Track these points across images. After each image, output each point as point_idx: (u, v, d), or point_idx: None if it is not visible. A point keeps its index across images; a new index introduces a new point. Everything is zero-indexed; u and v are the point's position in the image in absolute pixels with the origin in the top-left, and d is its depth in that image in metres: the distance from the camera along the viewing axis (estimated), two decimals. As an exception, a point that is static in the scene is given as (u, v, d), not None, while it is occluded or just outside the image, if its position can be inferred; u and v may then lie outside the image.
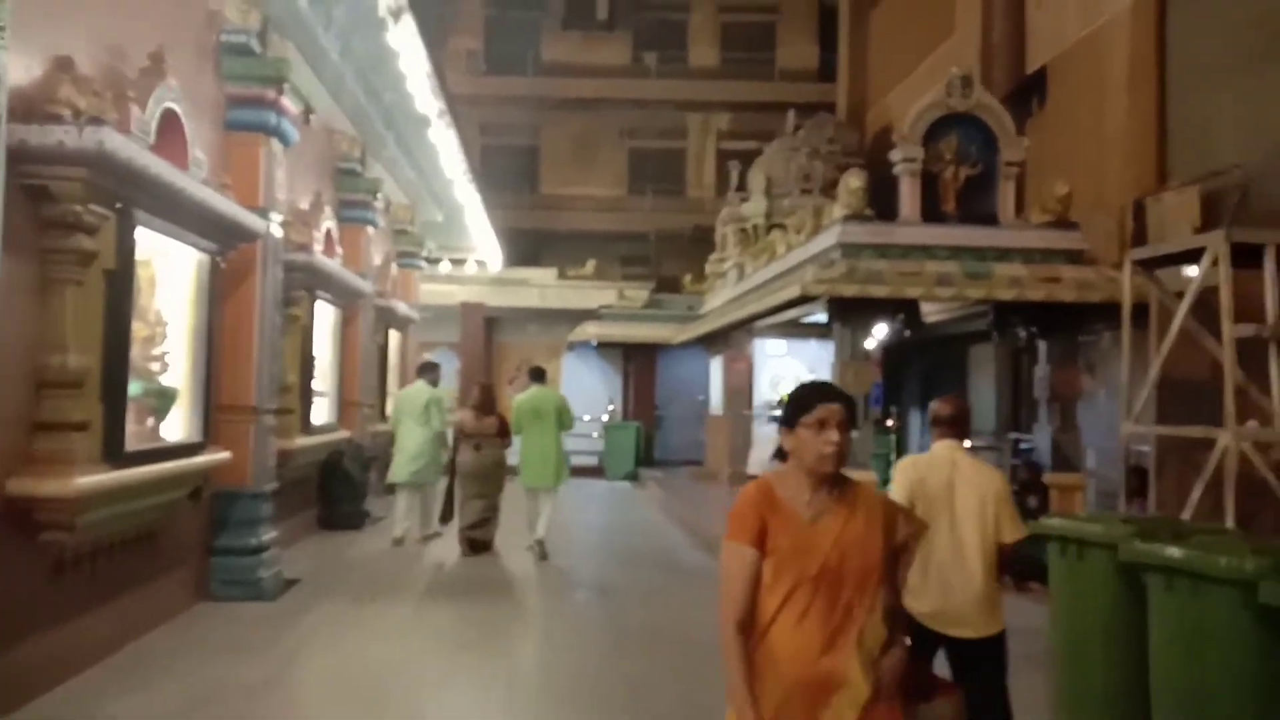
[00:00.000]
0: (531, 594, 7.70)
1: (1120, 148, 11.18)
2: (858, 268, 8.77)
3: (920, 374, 15.56)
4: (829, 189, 15.55)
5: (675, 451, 18.88)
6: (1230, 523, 4.42)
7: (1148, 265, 5.23)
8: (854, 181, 9.21)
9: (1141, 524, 3.85)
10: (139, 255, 5.37)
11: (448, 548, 9.27)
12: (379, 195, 11.19)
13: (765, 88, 23.72)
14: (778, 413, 14.83)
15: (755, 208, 15.28)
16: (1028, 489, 8.25)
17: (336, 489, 10.18)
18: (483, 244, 15.78)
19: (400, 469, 9.46)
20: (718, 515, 11.57)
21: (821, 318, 13.44)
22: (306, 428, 9.02)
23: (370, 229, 11.19)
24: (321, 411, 9.92)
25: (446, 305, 18.72)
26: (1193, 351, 6.55)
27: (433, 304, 18.13)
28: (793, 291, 8.86)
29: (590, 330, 18.18)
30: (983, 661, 3.58)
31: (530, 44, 24.51)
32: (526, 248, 20.95)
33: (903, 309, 9.28)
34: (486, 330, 19.76)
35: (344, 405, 10.76)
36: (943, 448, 3.91)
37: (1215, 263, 4.50)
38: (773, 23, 24.63)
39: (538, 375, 9.96)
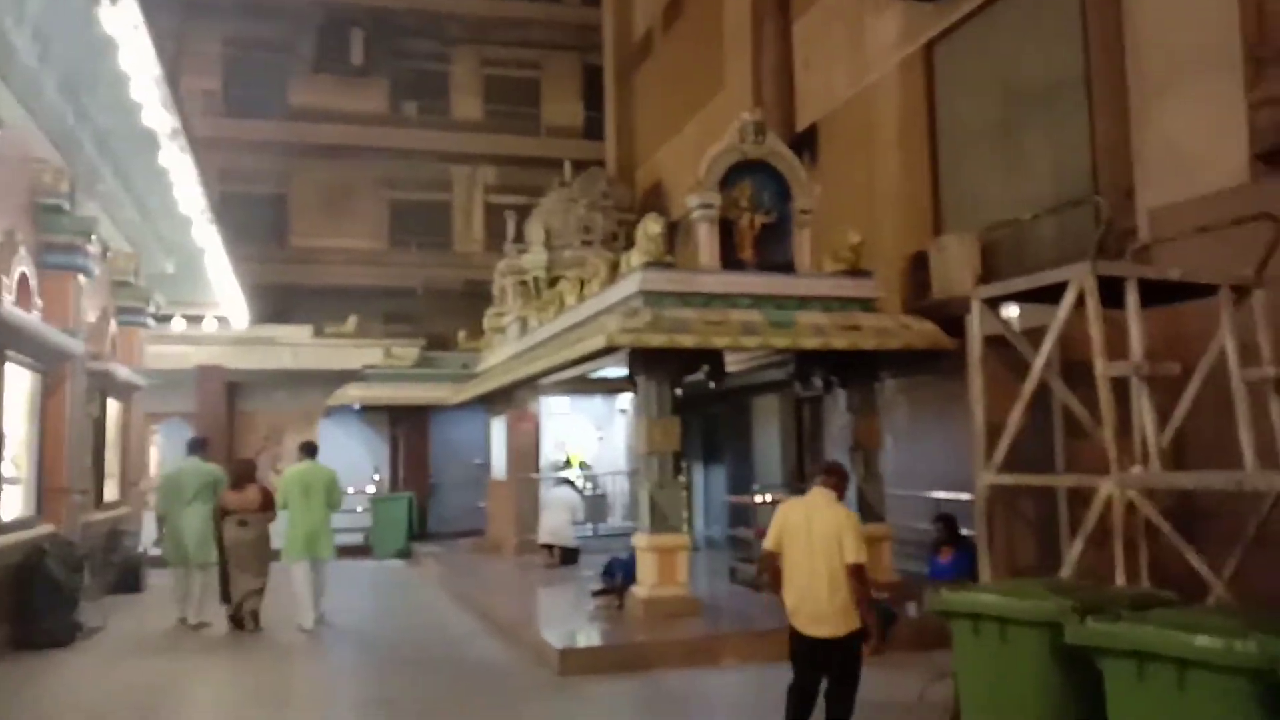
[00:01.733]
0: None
1: (895, 202, 11.52)
2: (662, 317, 8.19)
3: (701, 429, 15.32)
4: (609, 241, 15.14)
5: (452, 522, 17.45)
6: (1120, 579, 4.11)
7: (993, 304, 4.94)
8: (653, 226, 8.69)
9: (1070, 594, 3.34)
10: None
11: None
12: (93, 238, 9.32)
13: (532, 143, 23.28)
14: (565, 474, 14.04)
15: (535, 259, 14.53)
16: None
17: (36, 598, 8.10)
18: (225, 298, 13.88)
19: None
20: (510, 594, 10.45)
21: (613, 372, 12.90)
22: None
23: (81, 277, 9.28)
24: (13, 502, 8.34)
25: (181, 369, 16.39)
26: (1001, 397, 6.43)
27: (163, 368, 15.80)
28: (596, 342, 8.12)
29: (353, 393, 16.53)
30: (837, 654, 4.87)
31: (276, 87, 22.66)
32: (276, 304, 18.94)
33: (708, 360, 8.79)
34: (228, 397, 17.51)
35: (46, 493, 8.98)
36: (816, 493, 5.04)
37: (1079, 298, 4.22)
38: (536, 79, 24.35)
39: (309, 450, 9.86)
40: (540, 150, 22.56)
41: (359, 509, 16.85)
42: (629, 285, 8.84)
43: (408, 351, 17.27)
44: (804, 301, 8.97)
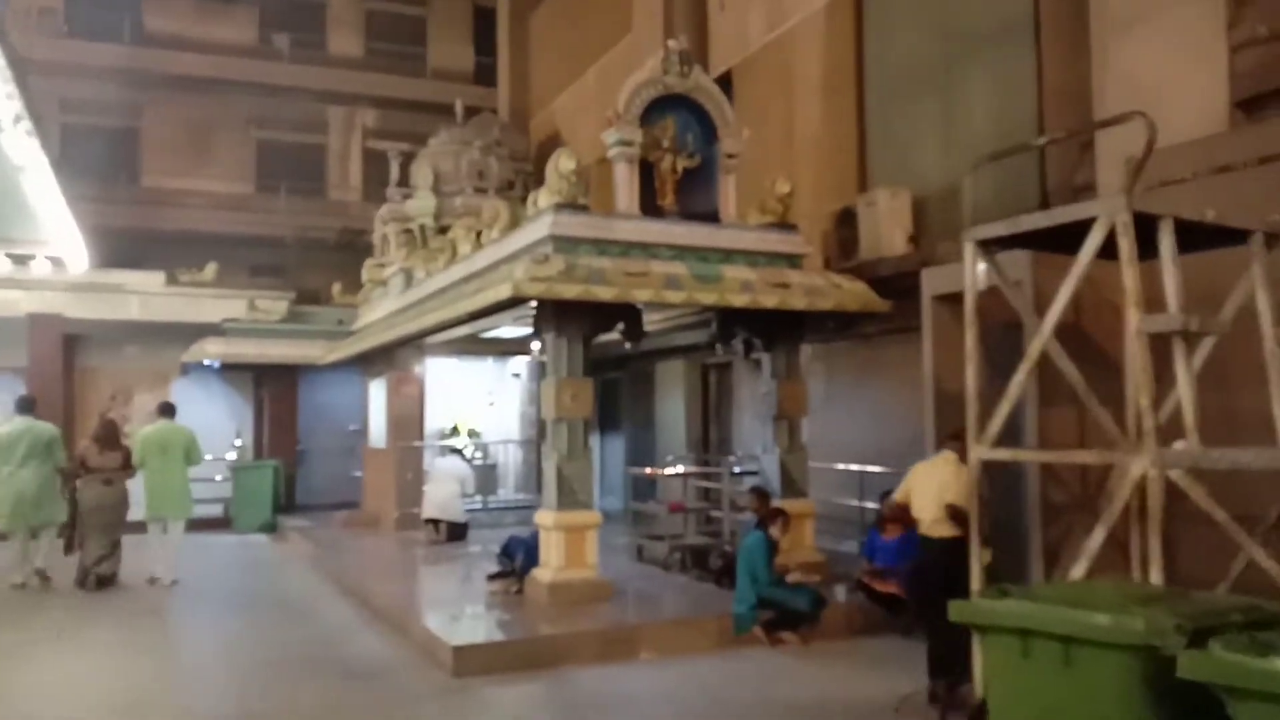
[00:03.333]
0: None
1: (817, 155, 10.80)
2: (577, 265, 7.20)
3: (598, 395, 14.37)
4: (504, 190, 13.94)
5: (323, 494, 15.99)
6: (1157, 577, 3.44)
7: (987, 247, 4.18)
8: (565, 163, 7.64)
9: (1163, 607, 2.57)
10: None
11: None
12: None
13: (417, 85, 21.62)
14: (453, 443, 12.88)
15: (422, 205, 13.18)
16: (770, 518, 7.14)
17: None
18: (57, 236, 11.97)
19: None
20: (392, 577, 9.33)
21: (506, 332, 11.79)
22: None
23: None
24: None
25: (7, 318, 14.33)
26: (952, 360, 5.78)
27: (-17, 316, 13.80)
28: (501, 292, 7.06)
29: (211, 349, 14.82)
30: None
31: (128, 8, 20.25)
32: (125, 250, 16.83)
33: (624, 316, 7.85)
34: (66, 350, 15.48)
35: None
36: (942, 456, 5.71)
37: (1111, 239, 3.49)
38: (423, 17, 22.63)
39: (167, 410, 10.05)
40: (426, 94, 20.93)
41: (218, 478, 15.22)
42: (537, 229, 7.79)
43: (275, 305, 15.64)
44: (729, 255, 8.14)
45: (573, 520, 7.39)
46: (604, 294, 7.14)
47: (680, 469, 10.25)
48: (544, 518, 7.51)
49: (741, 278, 7.84)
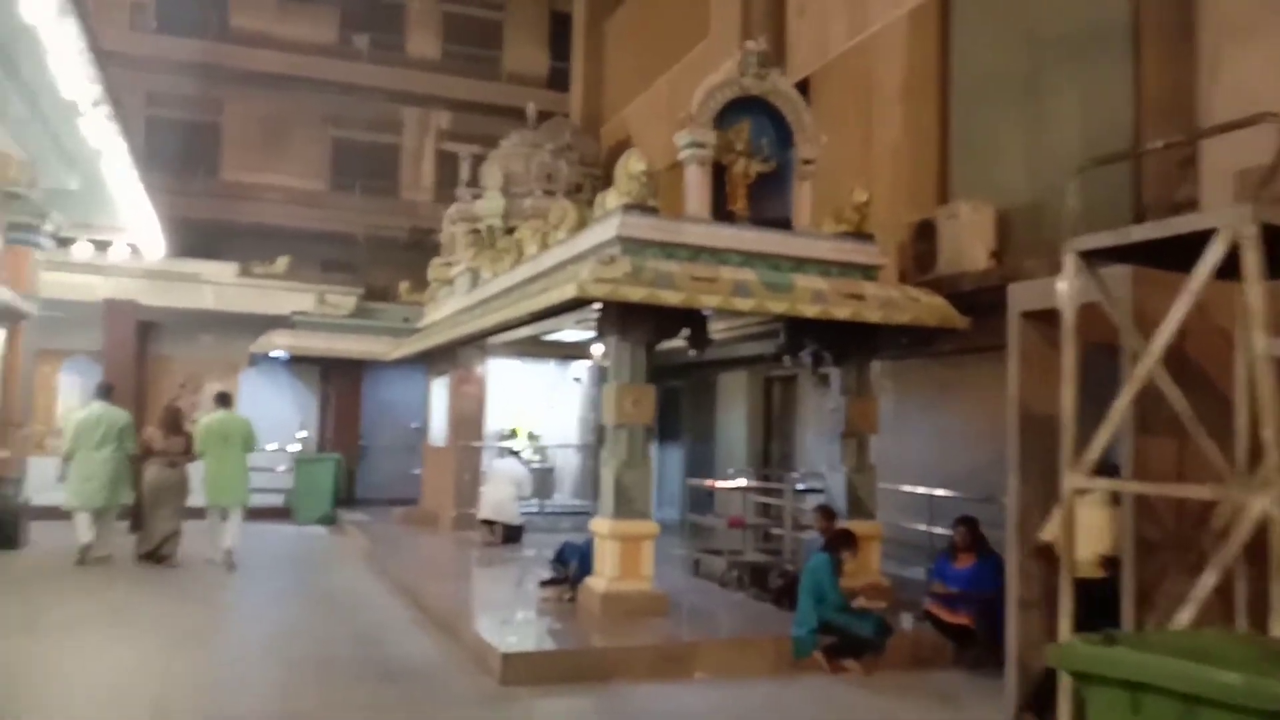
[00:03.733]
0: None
1: (895, 165, 10.47)
2: (644, 268, 7.01)
3: (658, 404, 14.15)
4: (572, 194, 13.84)
5: (382, 489, 16.08)
6: (1279, 629, 3.11)
7: (1088, 261, 3.87)
8: (635, 164, 7.48)
9: (1275, 657, 2.26)
10: None
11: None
12: None
13: (491, 88, 21.73)
14: (511, 445, 12.79)
15: (491, 206, 13.16)
16: (839, 541, 6.84)
17: None
18: (135, 222, 12.24)
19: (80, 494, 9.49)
20: (445, 577, 9.24)
21: (569, 335, 11.68)
22: None
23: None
24: None
25: (85, 303, 14.70)
26: (1039, 381, 5.46)
27: (63, 299, 14.13)
28: (565, 293, 6.90)
29: (279, 340, 15.01)
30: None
31: (214, 5, 20.75)
32: (200, 241, 17.22)
33: (690, 322, 7.64)
34: (141, 337, 15.84)
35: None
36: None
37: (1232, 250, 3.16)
38: (499, 21, 22.77)
39: (224, 400, 10.53)
40: (500, 97, 21.04)
41: (280, 468, 15.40)
42: (604, 230, 7.63)
43: (344, 300, 15.80)
44: (801, 263, 7.87)
45: (629, 530, 7.19)
46: (670, 298, 6.94)
47: (742, 483, 9.97)
48: (600, 525, 7.33)
49: (814, 287, 7.57)
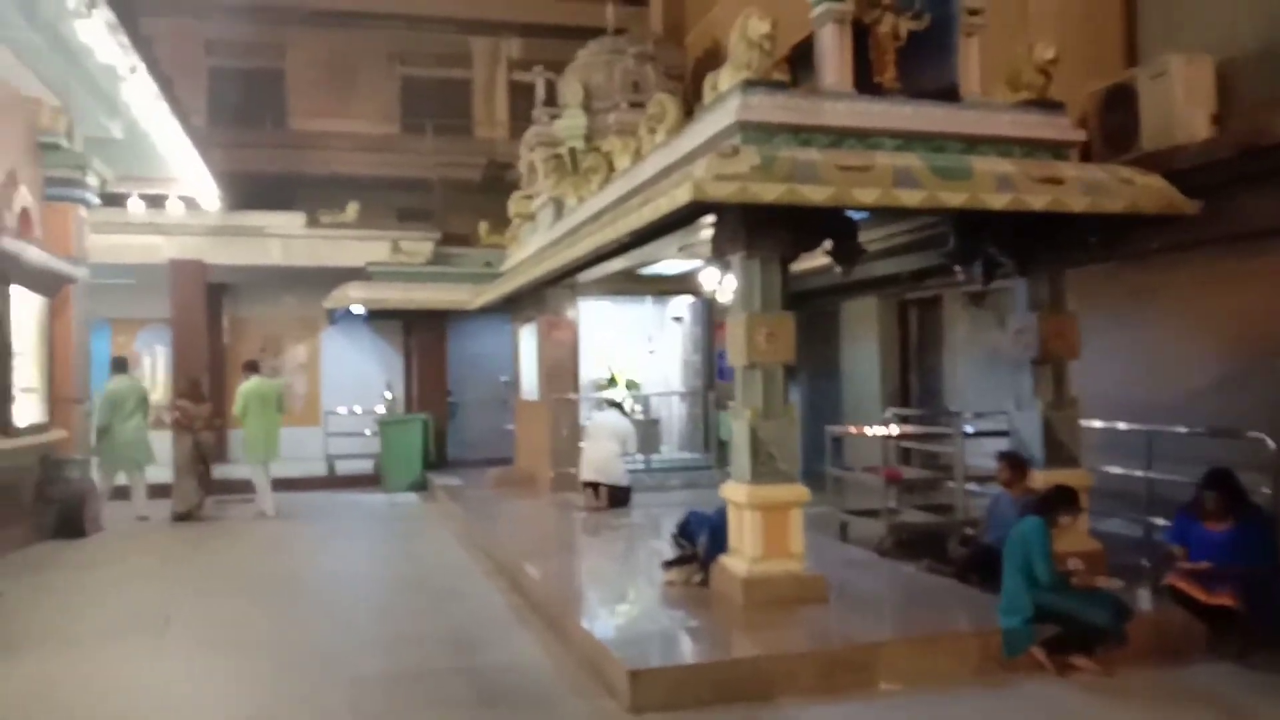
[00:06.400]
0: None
1: (1063, 16, 8.42)
2: (775, 159, 5.36)
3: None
4: (661, 107, 12.13)
5: (474, 448, 14.96)
6: None
7: None
8: (757, 26, 5.76)
9: None
10: None
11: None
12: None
13: (564, 8, 19.93)
14: (611, 395, 11.37)
15: (572, 125, 11.56)
16: (1060, 503, 5.17)
17: None
18: (185, 172, 11.12)
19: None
20: (547, 554, 7.89)
21: (672, 267, 10.14)
22: (7, 429, 7.88)
23: None
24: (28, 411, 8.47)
25: (151, 265, 13.79)
26: None
27: (128, 263, 13.25)
28: (676, 198, 5.31)
29: (355, 294, 13.87)
30: None
31: (271, -57, 19.47)
32: (269, 194, 16.16)
33: (834, 228, 5.98)
34: (212, 301, 14.92)
35: (55, 403, 9.18)
36: None
37: None
38: (571, -68, 20.89)
39: (253, 367, 11.30)
40: (573, 16, 19.22)
41: (367, 432, 14.40)
42: (718, 119, 5.98)
43: (420, 246, 14.56)
44: (974, 143, 6.08)
45: (773, 496, 5.66)
46: (815, 195, 5.28)
47: (893, 428, 8.32)
48: (734, 492, 5.81)
49: (997, 172, 5.79)
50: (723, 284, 9.02)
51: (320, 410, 15.50)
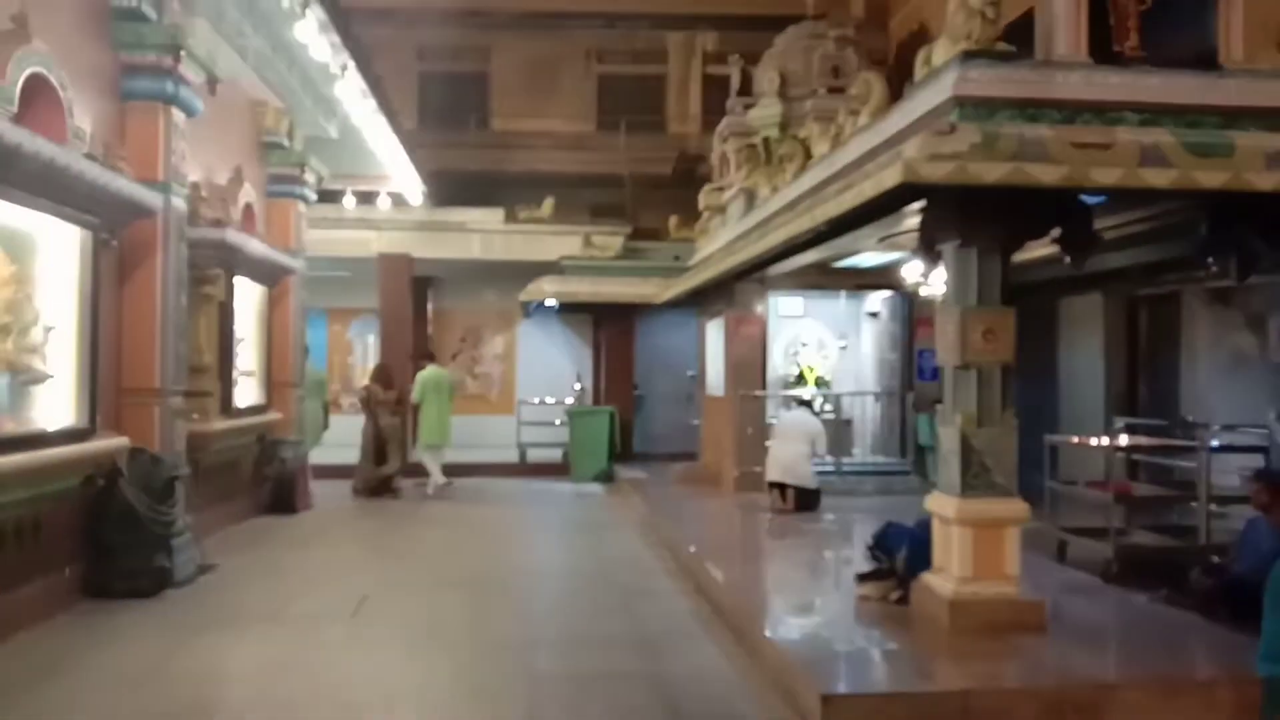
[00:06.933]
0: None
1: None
2: (999, 137, 4.82)
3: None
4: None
5: (659, 442, 14.93)
6: None
7: None
8: (978, -8, 5.22)
9: None
10: None
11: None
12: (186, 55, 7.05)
13: (761, -1, 19.57)
14: (800, 393, 10.94)
15: (767, 114, 11.20)
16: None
17: (109, 532, 6.12)
18: (395, 169, 11.64)
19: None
20: (733, 555, 7.64)
21: (869, 259, 9.63)
22: (228, 410, 8.44)
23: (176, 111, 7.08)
24: (248, 394, 9.19)
25: (363, 259, 14.57)
26: None
27: (342, 256, 14.06)
28: (885, 180, 4.89)
29: (547, 287, 14.14)
30: None
31: (476, -49, 20.21)
32: (471, 193, 16.75)
33: (1065, 215, 5.34)
34: (418, 293, 15.61)
35: (273, 387, 9.83)
36: None
37: None
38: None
39: (429, 357, 12.68)
40: (769, 7, 18.74)
41: (557, 422, 14.64)
42: (931, 95, 5.47)
43: (610, 240, 14.65)
44: (1235, 116, 5.26)
45: (986, 512, 5.12)
46: (1045, 175, 4.71)
47: (1122, 439, 7.46)
48: (941, 505, 5.31)
49: (1265, 148, 4.98)
50: (928, 277, 8.43)
51: (515, 399, 15.95)
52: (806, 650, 4.89)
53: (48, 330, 5.42)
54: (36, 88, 5.03)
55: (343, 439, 12.38)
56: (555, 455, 14.38)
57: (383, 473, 11.39)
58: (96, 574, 6.10)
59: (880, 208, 5.50)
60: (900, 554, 5.67)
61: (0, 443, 4.77)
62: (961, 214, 5.21)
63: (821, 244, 7.50)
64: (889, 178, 4.83)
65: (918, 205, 5.60)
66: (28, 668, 4.80)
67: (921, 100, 5.64)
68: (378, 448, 11.37)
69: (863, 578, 5.86)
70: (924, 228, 5.69)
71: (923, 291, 8.58)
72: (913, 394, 10.99)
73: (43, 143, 4.68)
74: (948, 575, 5.22)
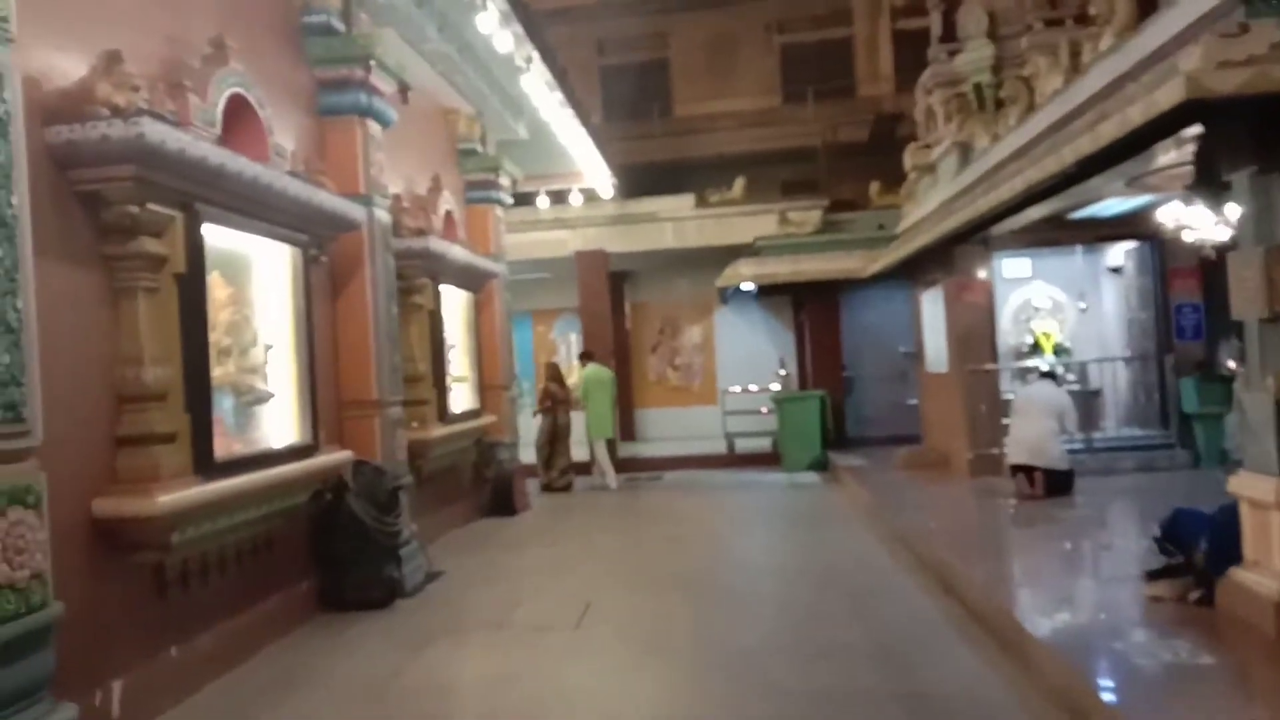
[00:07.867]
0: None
1: None
2: (1308, 31, 3.87)
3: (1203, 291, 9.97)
4: (1084, 21, 10.28)
5: (873, 425, 14.11)
6: None
7: None
8: None
9: None
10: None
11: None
12: (376, 64, 7.10)
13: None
14: (1040, 364, 9.84)
15: (976, 58, 10.16)
16: None
17: (337, 545, 6.22)
18: (586, 164, 11.51)
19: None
20: (980, 548, 6.87)
21: (1112, 206, 8.52)
22: (445, 417, 8.46)
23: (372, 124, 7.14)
24: (462, 399, 9.21)
25: (561, 259, 14.64)
26: None
27: (542, 258, 14.17)
28: (1159, 101, 4.05)
29: (744, 271, 13.63)
30: None
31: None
32: (657, 182, 16.53)
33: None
34: (614, 289, 15.53)
35: (485, 390, 9.85)
36: None
37: None
38: None
39: (589, 356, 12.56)
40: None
41: (764, 410, 14.13)
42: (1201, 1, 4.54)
43: (808, 215, 13.94)
44: None
45: (1315, 496, 4.17)
46: (1382, 70, 3.73)
47: None
48: (1253, 486, 4.39)
49: None
50: (1190, 220, 7.28)
51: (717, 389, 15.58)
52: (1096, 664, 4.14)
53: (267, 349, 5.52)
54: (236, 109, 5.08)
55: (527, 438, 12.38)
56: (764, 444, 13.91)
57: (565, 469, 11.65)
58: (330, 587, 6.21)
59: (1146, 137, 4.64)
60: (1199, 547, 4.76)
61: (231, 464, 4.83)
62: (1257, 134, 4.27)
63: (1061, 192, 6.58)
64: (1166, 96, 4.00)
65: (1193, 131, 4.69)
66: (272, 681, 4.87)
67: (1185, 9, 4.71)
68: (554, 444, 11.64)
69: (1153, 575, 4.99)
70: (1202, 156, 4.76)
71: (1186, 237, 7.40)
72: (1172, 356, 9.66)
73: (245, 162, 4.69)
74: (1267, 571, 4.30)
